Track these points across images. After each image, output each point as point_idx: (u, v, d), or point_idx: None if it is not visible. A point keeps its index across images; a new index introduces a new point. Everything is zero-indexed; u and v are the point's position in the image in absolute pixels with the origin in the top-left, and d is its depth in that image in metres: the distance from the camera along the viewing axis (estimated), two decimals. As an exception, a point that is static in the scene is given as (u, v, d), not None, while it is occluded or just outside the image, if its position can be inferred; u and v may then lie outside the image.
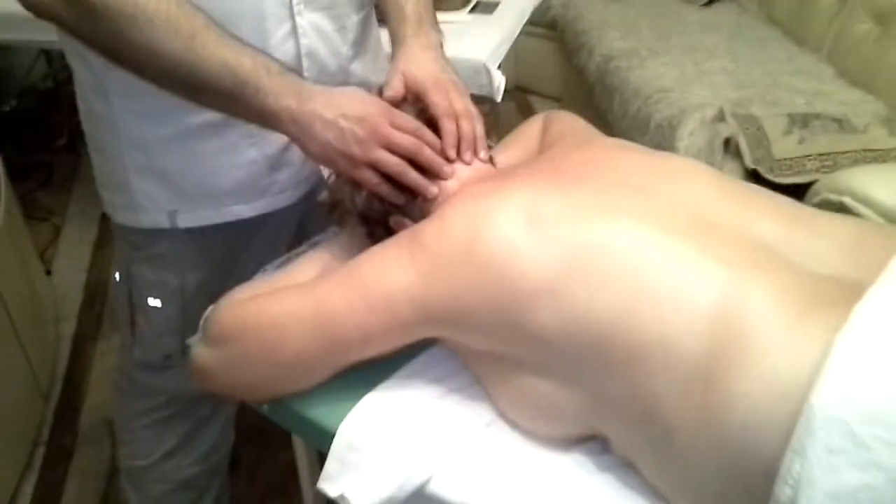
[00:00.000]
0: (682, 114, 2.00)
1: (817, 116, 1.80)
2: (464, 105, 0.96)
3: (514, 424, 0.83)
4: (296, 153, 1.02)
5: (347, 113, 0.88)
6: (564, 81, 3.02)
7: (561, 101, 3.10)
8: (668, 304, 0.69)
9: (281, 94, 0.87)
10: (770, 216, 0.79)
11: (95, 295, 2.23)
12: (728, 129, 1.86)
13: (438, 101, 0.94)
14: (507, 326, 0.76)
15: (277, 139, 1.03)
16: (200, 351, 0.87)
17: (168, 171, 1.04)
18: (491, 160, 0.99)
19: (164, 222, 1.07)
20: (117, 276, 1.19)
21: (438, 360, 0.89)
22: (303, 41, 1.02)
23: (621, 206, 0.78)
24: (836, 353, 0.60)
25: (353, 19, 1.10)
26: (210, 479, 1.38)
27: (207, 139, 1.02)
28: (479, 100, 1.84)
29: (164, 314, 1.14)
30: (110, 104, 1.02)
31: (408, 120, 0.92)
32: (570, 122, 1.14)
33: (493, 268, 0.75)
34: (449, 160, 0.93)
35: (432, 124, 0.95)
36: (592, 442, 0.80)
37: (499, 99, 1.67)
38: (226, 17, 0.89)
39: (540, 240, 0.75)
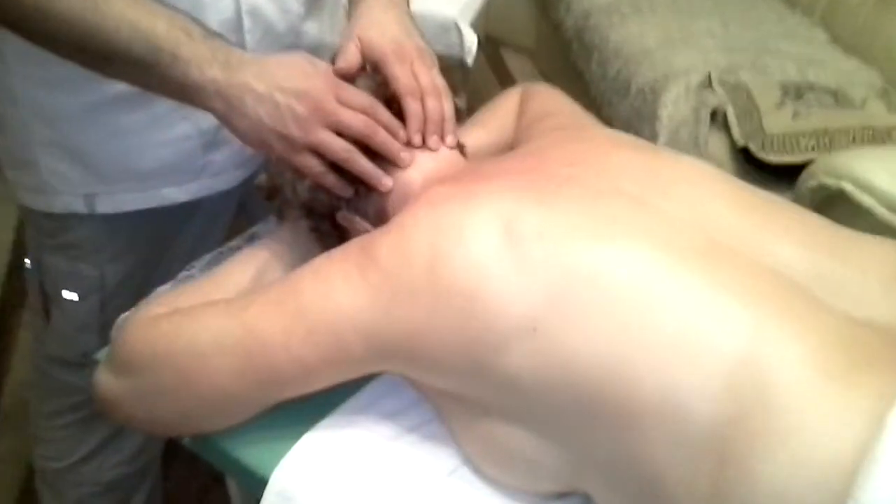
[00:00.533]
0: (666, 79, 1.85)
1: (811, 88, 1.67)
2: (430, 79, 0.80)
3: (481, 473, 0.70)
4: None
5: (285, 85, 0.73)
6: (539, 34, 2.84)
7: (535, 55, 2.92)
8: (674, 353, 0.56)
9: (204, 62, 0.72)
10: (795, 238, 0.66)
11: (23, 258, 2.04)
12: (715, 98, 1.72)
13: (400, 74, 0.79)
14: (475, 367, 0.63)
15: None
16: (105, 378, 0.72)
17: (83, 149, 0.88)
18: (460, 147, 0.84)
19: (79, 207, 0.91)
20: (28, 262, 1.03)
21: (391, 392, 0.75)
22: None
23: (616, 223, 0.64)
24: (888, 437, 0.48)
25: None
26: (139, 480, 1.24)
27: (129, 111, 0.86)
28: (447, 60, 1.69)
29: (81, 308, 0.99)
30: (8, 70, 0.85)
31: (358, 95, 0.76)
32: (551, 101, 0.99)
33: (460, 296, 0.62)
34: (412, 146, 0.79)
35: (393, 101, 0.79)
36: (573, 497, 0.68)
37: (470, 61, 1.50)
38: None
39: (518, 264, 0.61)
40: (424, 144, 0.79)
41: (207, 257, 0.91)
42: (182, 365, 0.68)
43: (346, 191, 0.77)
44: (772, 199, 0.71)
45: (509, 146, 0.97)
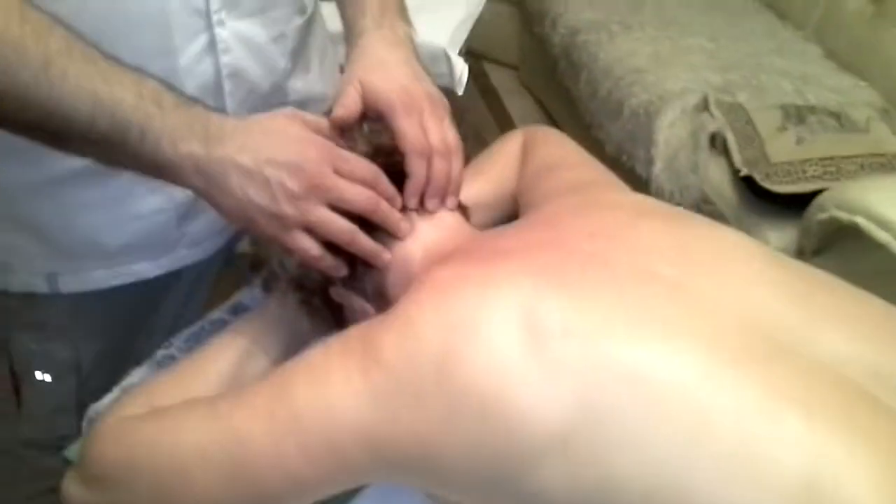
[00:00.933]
0: (661, 101, 1.79)
1: (813, 110, 1.62)
2: (441, 135, 0.71)
3: None
4: None
5: (275, 158, 0.64)
6: (522, 49, 2.78)
7: (519, 71, 2.85)
8: (730, 473, 0.49)
9: (179, 136, 0.63)
10: (848, 327, 0.59)
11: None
12: (713, 122, 1.66)
13: (408, 130, 0.70)
14: (495, 481, 0.55)
15: None
16: (76, 490, 0.63)
17: (41, 225, 0.79)
18: (462, 210, 0.76)
19: (40, 287, 0.82)
20: None
21: (393, 498, 0.67)
22: (224, 59, 0.77)
23: (653, 315, 0.56)
24: None
25: (296, 22, 0.84)
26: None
27: (92, 186, 0.77)
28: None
29: (55, 390, 0.90)
30: None
31: (359, 165, 0.68)
32: (557, 148, 0.92)
33: (476, 403, 0.54)
34: (406, 208, 0.71)
35: (396, 155, 0.71)
36: None
37: (460, 91, 1.42)
38: (114, 32, 0.65)
39: (542, 366, 0.54)
40: (422, 207, 0.71)
41: (186, 332, 0.83)
42: (162, 481, 0.60)
43: (341, 271, 0.70)
44: (816, 278, 0.64)
45: (511, 197, 0.90)
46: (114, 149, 0.63)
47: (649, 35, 2.06)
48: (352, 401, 0.57)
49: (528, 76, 2.77)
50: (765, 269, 0.62)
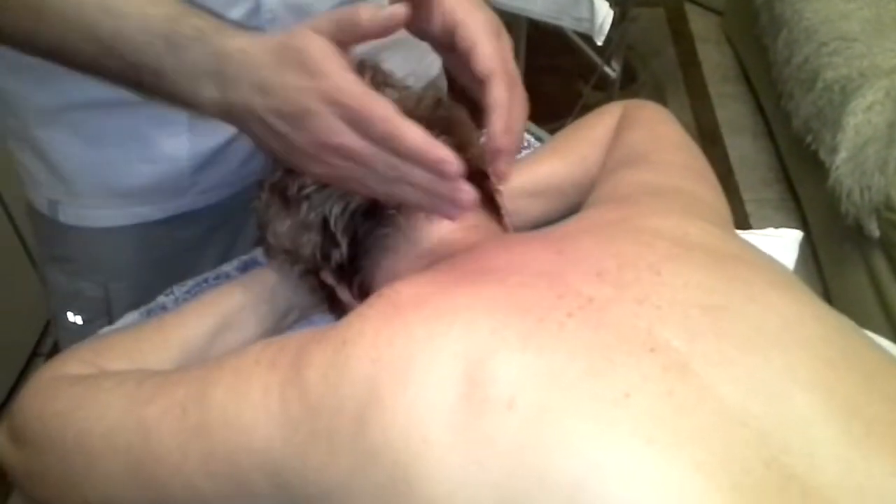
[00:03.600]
0: (862, 77, 1.50)
1: None
2: (515, 69, 0.54)
3: None
4: (238, 150, 0.74)
5: (281, 109, 0.50)
6: (730, -7, 2.46)
7: (722, 17, 2.54)
8: None
9: (195, 79, 0.53)
10: None
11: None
12: (922, 113, 1.37)
13: (492, 49, 0.53)
14: None
15: (212, 131, 0.72)
16: (3, 439, 0.60)
17: (47, 150, 0.74)
18: (490, 202, 0.64)
19: (42, 207, 0.78)
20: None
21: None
22: (271, 32, 0.65)
23: (630, 407, 0.42)
24: None
25: None
26: None
27: (103, 119, 0.70)
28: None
29: (87, 334, 0.81)
30: None
31: (378, 112, 0.48)
32: (649, 136, 0.76)
33: (389, 465, 0.44)
34: (496, 151, 0.52)
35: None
36: None
37: (600, 41, 1.24)
38: None
39: (472, 445, 0.43)
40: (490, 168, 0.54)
41: (191, 282, 0.77)
42: (68, 458, 0.55)
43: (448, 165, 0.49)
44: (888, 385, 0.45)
45: (592, 184, 0.75)
46: (134, 86, 0.55)
47: (873, -5, 1.72)
48: (263, 423, 0.49)
49: (731, 25, 2.46)
50: (819, 367, 0.45)
